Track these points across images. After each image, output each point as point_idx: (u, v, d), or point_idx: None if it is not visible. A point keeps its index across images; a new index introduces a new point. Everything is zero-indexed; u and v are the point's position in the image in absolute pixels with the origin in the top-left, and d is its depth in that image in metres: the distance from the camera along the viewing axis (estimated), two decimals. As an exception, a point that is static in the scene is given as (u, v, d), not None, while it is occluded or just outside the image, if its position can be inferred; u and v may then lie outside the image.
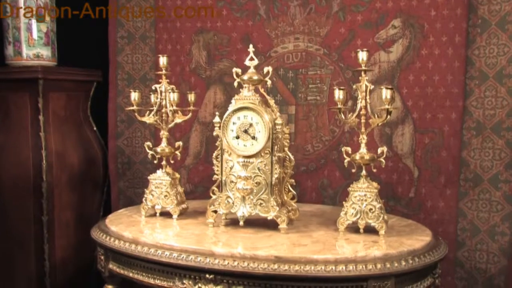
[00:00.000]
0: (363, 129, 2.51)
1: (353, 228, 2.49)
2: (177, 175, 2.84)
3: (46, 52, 3.44)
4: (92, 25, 3.71)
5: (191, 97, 2.82)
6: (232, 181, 2.54)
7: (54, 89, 3.43)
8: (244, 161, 2.52)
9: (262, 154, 2.50)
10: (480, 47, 3.02)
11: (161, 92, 2.79)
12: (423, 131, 3.14)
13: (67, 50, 3.63)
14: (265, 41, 3.44)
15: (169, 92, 2.75)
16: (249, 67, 2.62)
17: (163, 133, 2.82)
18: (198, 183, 3.60)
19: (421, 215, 3.14)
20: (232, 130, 2.53)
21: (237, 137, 2.53)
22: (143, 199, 2.83)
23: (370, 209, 2.45)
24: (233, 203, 2.54)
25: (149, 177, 2.83)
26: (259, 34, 3.45)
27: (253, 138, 2.50)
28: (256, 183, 2.50)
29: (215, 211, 2.60)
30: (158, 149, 2.82)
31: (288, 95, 3.41)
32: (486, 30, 3.00)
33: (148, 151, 2.86)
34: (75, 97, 3.62)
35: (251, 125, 2.51)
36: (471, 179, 3.07)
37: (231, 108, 2.54)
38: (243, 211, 2.51)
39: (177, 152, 2.83)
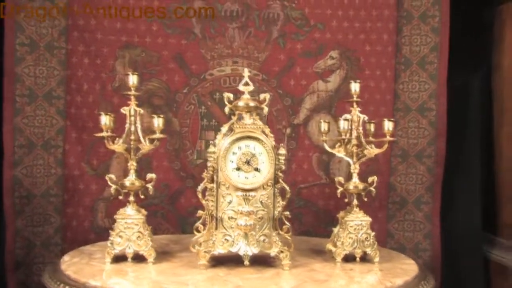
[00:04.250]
0: (354, 159, 2.55)
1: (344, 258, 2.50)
2: (144, 212, 2.46)
3: None
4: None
5: (159, 122, 2.46)
6: (231, 217, 2.32)
7: None
8: (244, 195, 2.32)
9: (265, 186, 2.34)
10: (404, 82, 3.34)
11: (130, 116, 2.40)
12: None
13: None
14: (200, 62, 3.24)
15: (154, 117, 2.38)
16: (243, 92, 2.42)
17: (131, 164, 2.42)
18: (120, 218, 3.16)
19: (358, 238, 3.29)
20: (232, 161, 2.32)
21: (238, 169, 2.32)
22: (108, 242, 2.37)
23: (366, 238, 2.50)
24: (233, 241, 2.31)
25: (115, 216, 2.39)
26: (193, 54, 3.23)
27: (256, 169, 2.33)
28: (258, 218, 2.33)
29: (208, 252, 2.32)
30: (127, 182, 2.40)
31: (225, 121, 3.20)
32: (409, 68, 3.34)
33: (111, 184, 2.41)
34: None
35: (253, 155, 2.33)
36: (398, 202, 3.35)
37: (231, 137, 2.33)
38: (245, 249, 2.30)
39: (149, 186, 2.45)
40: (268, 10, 3.24)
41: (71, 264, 2.33)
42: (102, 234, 3.15)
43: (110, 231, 2.39)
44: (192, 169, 3.25)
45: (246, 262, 2.30)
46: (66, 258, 2.45)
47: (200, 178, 3.21)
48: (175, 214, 3.24)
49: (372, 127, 2.62)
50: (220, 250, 2.31)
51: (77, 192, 3.14)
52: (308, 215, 3.28)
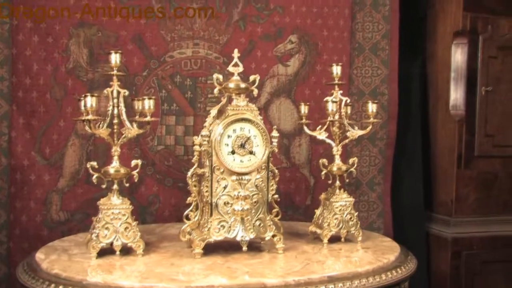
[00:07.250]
0: (337, 141, 2.58)
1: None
2: (128, 201, 2.29)
3: None
4: None
5: (150, 103, 2.27)
6: (226, 203, 2.24)
7: None
8: (240, 179, 2.25)
9: (259, 170, 2.30)
10: (358, 67, 3.45)
11: (113, 98, 2.21)
12: (318, 142, 3.34)
13: None
14: (160, 43, 3.08)
15: (141, 100, 2.21)
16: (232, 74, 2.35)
17: (115, 150, 2.23)
18: (76, 210, 2.94)
19: (318, 221, 3.36)
20: (227, 145, 2.24)
21: (233, 152, 2.25)
22: (93, 236, 2.17)
23: (350, 218, 2.55)
24: (229, 227, 2.24)
25: (101, 207, 2.20)
26: (152, 35, 3.06)
27: (251, 152, 2.27)
28: (254, 202, 2.27)
29: (203, 240, 2.23)
30: (111, 170, 2.21)
31: (186, 105, 3.13)
32: (362, 53, 3.44)
33: (92, 172, 2.21)
34: None
35: (248, 138, 2.27)
36: (353, 183, 3.46)
37: (224, 119, 2.24)
38: (242, 235, 2.24)
39: (134, 173, 2.28)
40: (228, -9, 3.16)
41: (52, 262, 2.11)
42: (56, 228, 2.91)
43: (94, 223, 2.20)
44: (153, 156, 3.09)
45: (245, 248, 2.24)
46: (41, 256, 2.20)
47: (160, 165, 3.11)
48: (135, 203, 3.03)
49: (349, 110, 2.67)
50: (216, 237, 2.23)
51: (27, 184, 2.84)
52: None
